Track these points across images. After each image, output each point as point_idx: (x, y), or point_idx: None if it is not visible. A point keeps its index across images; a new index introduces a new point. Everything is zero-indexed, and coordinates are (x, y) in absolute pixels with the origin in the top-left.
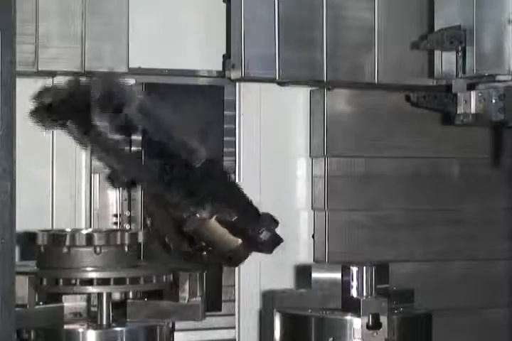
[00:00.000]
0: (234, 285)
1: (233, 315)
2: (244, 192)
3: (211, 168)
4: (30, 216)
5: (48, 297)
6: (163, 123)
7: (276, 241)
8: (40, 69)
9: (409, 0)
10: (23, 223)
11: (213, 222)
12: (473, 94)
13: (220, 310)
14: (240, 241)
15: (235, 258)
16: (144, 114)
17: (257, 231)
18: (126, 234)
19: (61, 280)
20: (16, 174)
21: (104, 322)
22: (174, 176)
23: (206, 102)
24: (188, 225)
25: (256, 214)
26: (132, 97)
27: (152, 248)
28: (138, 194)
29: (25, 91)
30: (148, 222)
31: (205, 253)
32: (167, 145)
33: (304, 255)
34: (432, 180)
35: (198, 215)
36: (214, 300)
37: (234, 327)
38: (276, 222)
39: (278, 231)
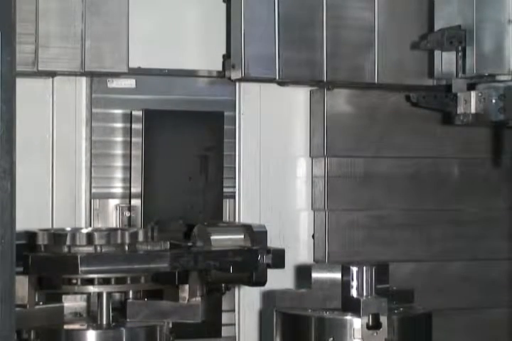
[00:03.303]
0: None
1: (233, 322)
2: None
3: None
4: (30, 216)
5: (48, 297)
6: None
7: (279, 255)
8: (40, 69)
9: (409, 0)
10: (23, 223)
11: (214, 272)
12: (473, 94)
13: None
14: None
15: (258, 282)
16: (96, 273)
17: (258, 263)
18: (127, 233)
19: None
20: (15, 174)
21: (104, 322)
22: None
23: (206, 129)
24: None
25: (244, 253)
26: None
27: None
28: (138, 219)
29: (25, 91)
30: None
31: (229, 285)
32: None
33: (304, 255)
34: (432, 180)
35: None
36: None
37: (234, 324)
38: (264, 234)
39: (278, 231)
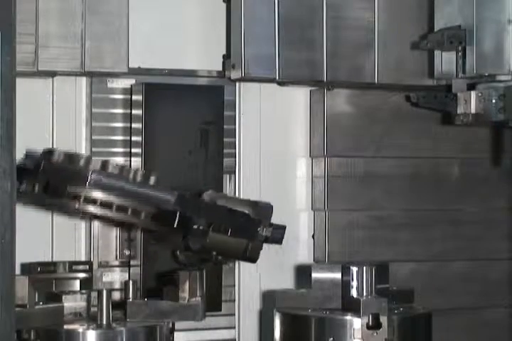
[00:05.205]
0: (234, 285)
1: (233, 315)
2: (225, 207)
3: (187, 203)
4: (30, 216)
5: (48, 297)
6: (124, 188)
7: (279, 231)
8: (40, 69)
9: (409, 0)
10: (23, 223)
11: (212, 234)
12: (473, 94)
13: (220, 310)
14: (245, 241)
15: (250, 256)
16: (102, 189)
17: (256, 232)
18: (140, 172)
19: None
20: (15, 174)
21: (104, 322)
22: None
23: (206, 102)
24: (193, 245)
25: (249, 218)
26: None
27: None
28: None
29: (25, 91)
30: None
31: (220, 257)
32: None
33: (304, 255)
34: (432, 180)
35: (196, 227)
36: (214, 300)
37: (234, 327)
38: (270, 209)
39: None
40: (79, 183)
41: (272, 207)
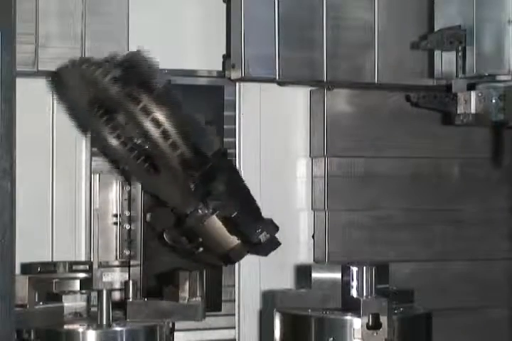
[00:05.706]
0: (234, 285)
1: (233, 315)
2: (248, 189)
3: (220, 161)
4: (30, 216)
5: (48, 297)
6: (182, 111)
7: (273, 244)
8: (40, 69)
9: (409, 0)
10: (23, 223)
11: (213, 218)
12: (473, 94)
13: (220, 310)
14: (236, 241)
15: (231, 258)
16: (163, 104)
17: (255, 231)
18: None
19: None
20: (16, 174)
21: (104, 322)
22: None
23: (206, 102)
24: (189, 221)
25: (257, 213)
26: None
27: (152, 245)
28: (138, 193)
29: (25, 91)
30: (148, 216)
31: (201, 249)
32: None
33: (304, 255)
34: (432, 180)
35: (200, 211)
36: (214, 300)
37: (234, 327)
38: (276, 228)
39: (278, 231)
40: (147, 87)
41: (278, 228)
